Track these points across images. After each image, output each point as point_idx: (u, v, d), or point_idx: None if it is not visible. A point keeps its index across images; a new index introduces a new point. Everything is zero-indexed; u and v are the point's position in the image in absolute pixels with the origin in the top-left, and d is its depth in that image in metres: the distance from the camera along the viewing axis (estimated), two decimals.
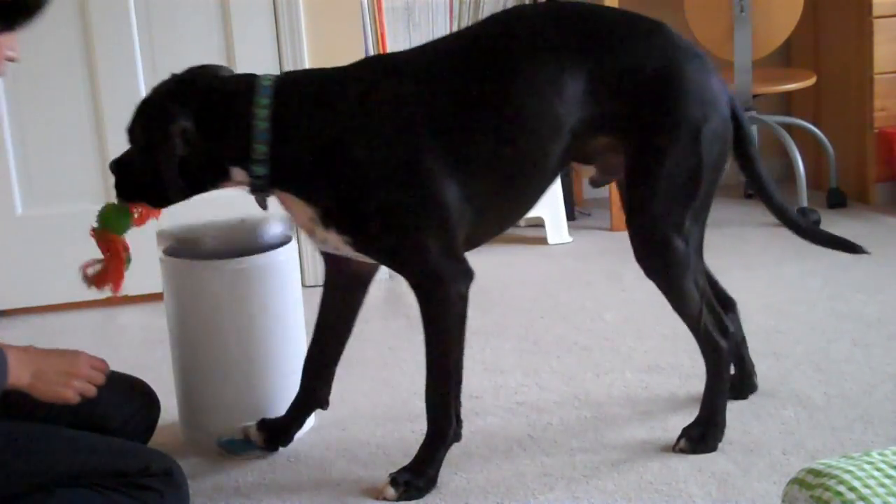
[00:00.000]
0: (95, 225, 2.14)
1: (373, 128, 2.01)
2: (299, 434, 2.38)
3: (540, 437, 2.35)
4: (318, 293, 2.33)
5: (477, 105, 2.04)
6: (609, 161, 2.18)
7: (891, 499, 1.34)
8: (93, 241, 2.20)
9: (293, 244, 2.42)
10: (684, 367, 2.32)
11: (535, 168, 2.10)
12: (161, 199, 2.11)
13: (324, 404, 2.37)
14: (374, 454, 2.32)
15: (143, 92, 3.39)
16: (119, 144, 2.18)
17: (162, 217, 2.25)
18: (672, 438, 2.26)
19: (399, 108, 2.02)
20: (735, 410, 2.39)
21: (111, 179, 2.15)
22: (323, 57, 3.36)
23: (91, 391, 1.94)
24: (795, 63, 4.54)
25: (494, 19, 2.15)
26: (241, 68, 3.37)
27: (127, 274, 3.23)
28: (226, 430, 2.35)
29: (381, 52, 3.72)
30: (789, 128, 4.25)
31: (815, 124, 4.25)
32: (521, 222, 4.16)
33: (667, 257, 2.13)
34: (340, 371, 2.74)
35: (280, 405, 2.36)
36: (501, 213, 2.16)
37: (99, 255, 2.17)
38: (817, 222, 3.91)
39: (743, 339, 2.43)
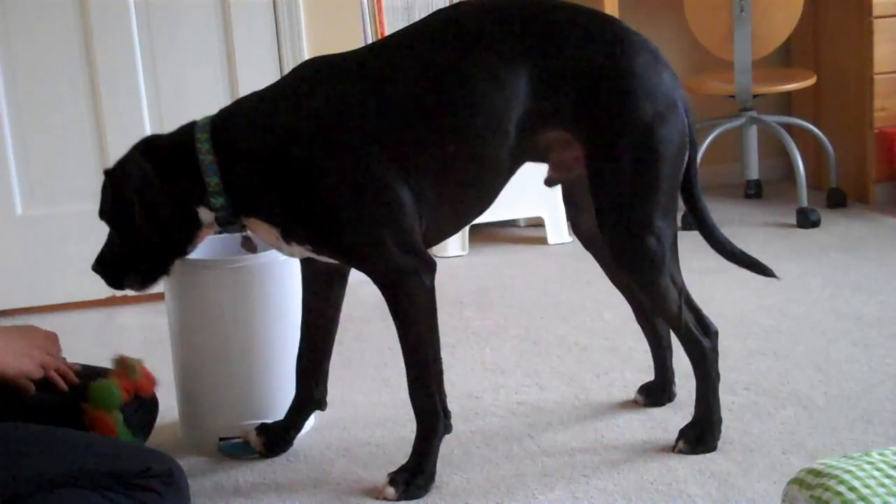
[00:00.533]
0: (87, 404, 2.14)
1: (311, 135, 2.02)
2: (299, 434, 2.37)
3: (540, 437, 2.35)
4: None
5: (415, 105, 2.04)
6: (562, 157, 2.16)
7: (891, 499, 1.34)
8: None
9: None
10: (684, 367, 2.32)
11: (483, 165, 2.09)
12: (150, 267, 2.13)
13: (322, 405, 2.37)
14: (374, 454, 2.32)
15: (144, 92, 3.42)
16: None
17: None
18: (672, 439, 2.26)
19: (336, 112, 2.03)
20: (735, 410, 2.40)
21: None
22: None
23: (52, 364, 1.96)
24: (795, 63, 4.54)
25: (439, 15, 2.13)
26: (241, 68, 3.42)
27: None
28: (226, 429, 2.35)
29: None
30: (789, 128, 4.26)
31: (815, 124, 4.25)
32: (521, 222, 4.17)
33: (640, 256, 2.12)
34: (340, 371, 2.75)
35: (280, 405, 2.36)
36: (455, 211, 2.15)
37: None
38: (817, 222, 3.91)
39: (669, 346, 2.42)
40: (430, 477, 2.13)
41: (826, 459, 1.48)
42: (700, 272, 2.69)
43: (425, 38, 2.09)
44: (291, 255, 2.13)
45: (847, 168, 4.23)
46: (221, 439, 2.32)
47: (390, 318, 2.12)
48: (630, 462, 2.21)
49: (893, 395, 2.45)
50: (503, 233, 4.13)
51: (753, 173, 4.35)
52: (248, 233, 2.15)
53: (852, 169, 4.23)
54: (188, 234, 2.11)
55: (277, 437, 2.33)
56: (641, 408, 2.46)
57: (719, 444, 2.23)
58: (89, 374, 2.17)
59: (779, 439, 2.27)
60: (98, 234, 2.20)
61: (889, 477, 1.39)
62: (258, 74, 3.14)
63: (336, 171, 2.01)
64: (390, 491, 2.11)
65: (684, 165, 2.15)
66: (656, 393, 2.47)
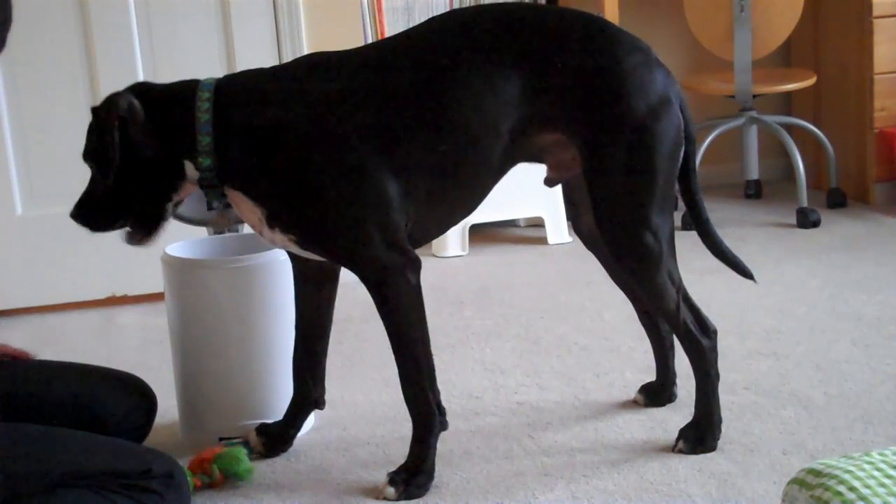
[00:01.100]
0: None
1: (307, 122, 2.03)
2: (299, 434, 2.38)
3: (540, 437, 2.35)
4: None
5: (409, 105, 2.05)
6: (559, 157, 2.17)
7: (891, 499, 1.34)
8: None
9: None
10: (684, 367, 2.32)
11: (474, 167, 2.10)
12: (134, 213, 2.12)
13: (320, 404, 2.37)
14: (374, 454, 2.32)
15: None
16: None
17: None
18: (672, 438, 2.26)
19: (333, 104, 2.04)
20: (735, 410, 2.40)
21: None
22: None
23: None
24: (795, 63, 4.54)
25: (433, 21, 2.16)
26: (241, 68, 3.40)
27: (127, 273, 3.25)
28: (226, 429, 2.35)
29: None
30: (789, 128, 4.26)
31: (815, 124, 4.25)
32: (521, 222, 4.17)
33: (637, 252, 2.12)
34: (340, 371, 2.75)
35: (280, 405, 2.36)
36: (443, 211, 2.16)
37: None
38: (817, 222, 3.92)
39: (671, 346, 2.43)
40: (429, 475, 2.14)
41: (826, 459, 1.48)
42: (700, 272, 2.69)
43: (422, 41, 2.11)
44: (272, 242, 2.12)
45: (847, 168, 4.23)
46: (221, 439, 2.31)
47: None
48: (630, 462, 2.21)
49: (893, 395, 2.45)
50: (503, 233, 4.13)
51: (753, 173, 4.36)
52: (227, 202, 2.14)
53: (852, 169, 4.23)
54: (172, 183, 2.11)
55: (277, 437, 2.33)
56: (641, 408, 2.46)
57: (719, 444, 2.23)
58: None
59: (779, 439, 2.27)
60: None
61: (889, 477, 1.39)
62: None
63: (327, 161, 2.02)
64: (390, 491, 2.11)
65: (680, 161, 2.16)
66: (657, 393, 2.47)
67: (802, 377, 2.58)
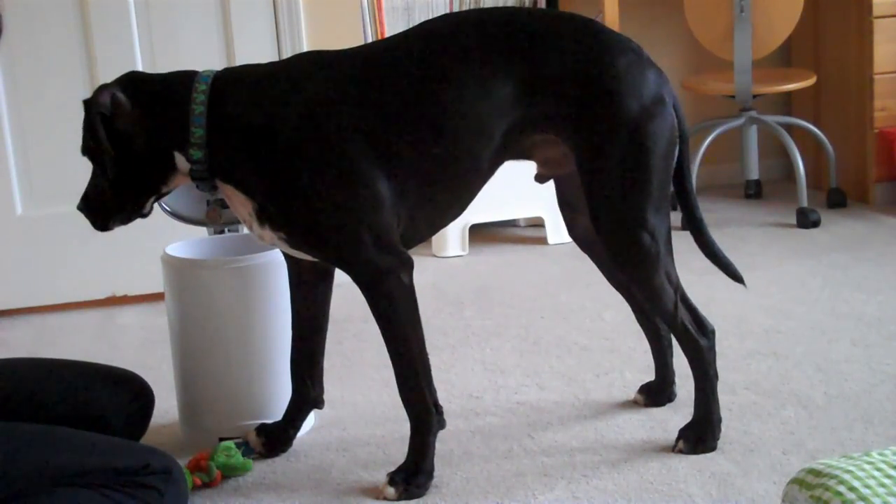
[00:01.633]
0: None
1: (301, 120, 2.04)
2: (299, 434, 2.38)
3: (540, 437, 2.35)
4: None
5: (403, 107, 2.06)
6: (549, 154, 2.18)
7: (891, 499, 1.34)
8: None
9: None
10: (684, 367, 2.32)
11: (465, 169, 2.11)
12: (128, 204, 2.13)
13: (319, 403, 2.37)
14: (374, 454, 2.32)
15: None
16: None
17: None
18: (672, 438, 2.26)
19: (327, 103, 2.04)
20: (735, 410, 2.40)
21: None
22: None
23: None
24: (795, 63, 4.54)
25: (428, 24, 2.16)
26: None
27: (127, 273, 3.25)
28: (226, 429, 2.35)
29: None
30: (789, 128, 4.26)
31: (815, 124, 4.25)
32: (521, 222, 4.17)
33: (635, 252, 2.13)
34: (340, 371, 2.75)
35: (280, 405, 2.36)
36: (435, 212, 2.16)
37: None
38: (817, 222, 3.92)
39: (670, 345, 2.43)
40: (428, 475, 2.14)
41: (826, 459, 1.48)
42: (700, 272, 2.69)
43: (417, 44, 2.11)
44: (261, 238, 2.13)
45: (847, 168, 4.23)
46: (221, 439, 2.31)
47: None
48: (630, 462, 2.21)
49: (893, 395, 2.45)
50: (503, 233, 4.13)
51: (753, 173, 4.35)
52: (219, 197, 2.14)
53: (852, 169, 4.23)
54: (162, 175, 2.12)
55: (277, 437, 2.33)
56: (641, 408, 2.46)
57: (719, 444, 2.23)
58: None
59: (779, 439, 2.27)
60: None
61: (889, 477, 1.39)
62: None
63: (319, 160, 2.02)
64: (390, 491, 2.11)
65: (675, 160, 2.16)
66: (656, 393, 2.47)
67: (802, 377, 2.58)
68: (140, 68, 3.38)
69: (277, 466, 2.29)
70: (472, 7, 4.02)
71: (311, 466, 2.28)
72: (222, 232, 2.53)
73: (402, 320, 2.10)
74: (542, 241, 3.94)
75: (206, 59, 3.42)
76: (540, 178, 2.30)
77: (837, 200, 4.17)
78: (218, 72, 2.12)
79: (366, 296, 2.10)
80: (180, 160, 2.09)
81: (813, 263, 3.49)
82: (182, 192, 2.36)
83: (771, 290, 3.22)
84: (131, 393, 2.20)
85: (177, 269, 2.38)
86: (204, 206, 2.45)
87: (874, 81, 4.05)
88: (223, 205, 2.30)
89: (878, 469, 1.41)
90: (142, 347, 3.08)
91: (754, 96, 4.10)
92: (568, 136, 2.10)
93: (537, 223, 4.03)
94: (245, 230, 2.49)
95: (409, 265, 2.09)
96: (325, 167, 2.02)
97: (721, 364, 2.28)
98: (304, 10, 3.47)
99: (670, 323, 2.23)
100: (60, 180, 3.45)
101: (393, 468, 2.15)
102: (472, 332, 3.06)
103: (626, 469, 2.18)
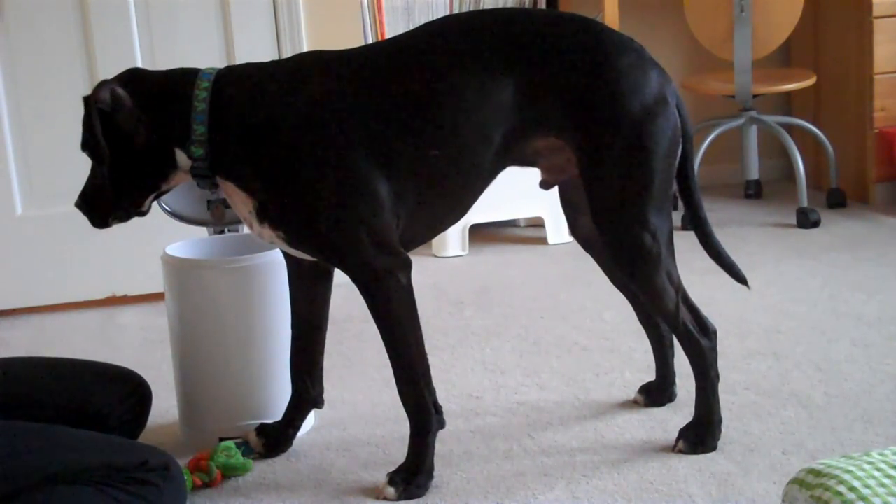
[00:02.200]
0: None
1: (302, 119, 2.04)
2: (299, 434, 2.38)
3: (540, 437, 2.35)
4: None
5: (403, 108, 2.05)
6: (553, 161, 2.18)
7: (891, 499, 1.34)
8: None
9: None
10: (684, 367, 2.32)
11: (465, 171, 2.10)
12: (127, 201, 2.13)
13: (319, 403, 2.37)
14: (374, 454, 2.32)
15: None
16: None
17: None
18: (672, 438, 2.26)
19: (328, 103, 2.05)
20: (735, 410, 2.40)
21: None
22: None
23: None
24: (795, 63, 4.54)
25: (429, 26, 2.16)
26: None
27: (127, 273, 3.25)
28: (226, 429, 2.35)
29: None
30: (789, 128, 4.26)
31: (815, 124, 4.25)
32: (521, 222, 4.17)
33: (636, 252, 2.13)
34: (340, 371, 2.75)
35: (280, 405, 2.36)
36: (434, 214, 2.16)
37: None
38: (817, 222, 3.92)
39: (671, 345, 2.43)
40: (428, 475, 2.14)
41: (826, 459, 1.48)
42: (700, 272, 2.69)
43: (417, 46, 2.11)
44: (261, 236, 2.13)
45: (847, 168, 4.23)
46: (221, 439, 2.32)
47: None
48: (630, 462, 2.21)
49: (893, 395, 2.45)
50: (503, 233, 4.13)
51: (753, 173, 4.36)
52: (220, 195, 2.14)
53: (852, 169, 4.23)
54: (163, 172, 2.12)
55: (277, 438, 2.33)
56: (641, 408, 2.46)
57: (719, 444, 2.23)
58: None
59: (779, 439, 2.27)
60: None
61: (889, 477, 1.39)
62: None
63: (319, 160, 2.02)
64: (390, 491, 2.11)
65: (677, 160, 2.16)
66: (656, 393, 2.47)
67: (802, 377, 2.58)
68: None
69: (277, 466, 2.29)
70: (472, 7, 4.02)
71: (311, 466, 2.28)
72: (222, 232, 2.53)
73: (400, 321, 2.10)
74: (542, 241, 3.94)
75: (205, 58, 3.42)
76: (545, 185, 2.30)
77: (837, 200, 4.17)
78: (220, 69, 2.12)
79: (364, 296, 2.10)
80: (181, 157, 2.09)
81: (813, 263, 3.49)
82: (182, 192, 2.36)
83: (771, 290, 3.22)
84: (128, 389, 2.21)
85: (177, 269, 2.38)
86: (204, 206, 2.45)
87: (874, 81, 4.05)
88: (226, 204, 2.29)
89: (878, 469, 1.41)
90: (142, 347, 3.08)
91: (754, 96, 4.11)
92: (570, 136, 2.10)
93: (537, 223, 4.03)
94: (245, 230, 2.50)
95: (407, 266, 2.09)
96: (325, 167, 2.02)
97: (721, 364, 2.28)
98: (304, 10, 3.47)
99: (671, 323, 2.22)
100: (60, 180, 3.45)
101: (393, 468, 2.15)
102: (472, 332, 3.06)
103: (626, 469, 2.18)
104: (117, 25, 3.39)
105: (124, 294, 3.52)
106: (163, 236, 2.62)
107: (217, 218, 2.38)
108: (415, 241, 2.17)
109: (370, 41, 3.80)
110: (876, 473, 1.40)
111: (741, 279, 2.30)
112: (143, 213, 2.18)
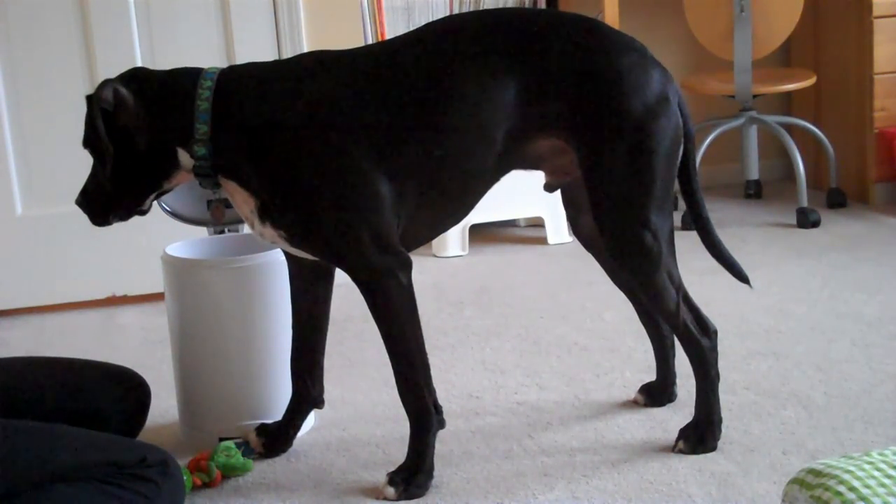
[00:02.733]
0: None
1: (304, 118, 2.04)
2: (299, 434, 2.38)
3: (540, 437, 2.35)
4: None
5: (406, 108, 2.05)
6: (557, 164, 2.18)
7: (891, 499, 1.34)
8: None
9: None
10: (684, 367, 2.32)
11: (468, 172, 2.10)
12: (128, 199, 2.13)
13: (319, 403, 2.37)
14: (374, 454, 2.32)
15: None
16: None
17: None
18: (672, 438, 2.26)
19: (331, 103, 2.04)
20: (735, 410, 2.40)
21: None
22: None
23: None
24: (795, 63, 4.54)
25: (431, 26, 2.16)
26: None
27: (127, 273, 3.24)
28: (226, 430, 2.35)
29: None
30: (789, 128, 4.26)
31: (815, 124, 4.25)
32: (521, 222, 4.17)
33: (637, 251, 2.13)
34: (340, 371, 2.75)
35: (280, 405, 2.36)
36: (435, 215, 2.16)
37: None
38: (817, 222, 3.92)
39: (672, 346, 2.43)
40: (428, 475, 2.14)
41: (826, 459, 1.48)
42: (700, 272, 2.69)
43: (420, 45, 2.11)
44: (262, 236, 2.13)
45: (847, 168, 4.23)
46: (221, 439, 2.32)
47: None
48: (630, 462, 2.21)
49: (893, 395, 2.45)
50: (503, 233, 4.13)
51: (753, 173, 4.36)
52: (221, 195, 2.14)
53: (852, 169, 4.23)
54: (164, 171, 2.11)
55: (277, 437, 2.33)
56: (641, 408, 2.46)
57: (719, 444, 2.23)
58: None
59: (779, 439, 2.27)
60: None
61: (889, 477, 1.39)
62: None
63: (322, 159, 2.02)
64: (390, 491, 2.11)
65: (679, 160, 2.16)
66: (656, 393, 2.47)
67: (802, 377, 2.58)
68: None
69: (277, 466, 2.29)
70: (472, 7, 4.02)
71: (311, 466, 2.28)
72: (222, 232, 2.53)
73: (400, 320, 2.10)
74: (542, 241, 3.94)
75: (205, 59, 3.40)
76: (549, 188, 2.30)
77: (837, 200, 4.17)
78: (223, 69, 2.12)
79: (364, 296, 2.10)
80: (183, 156, 2.09)
81: (813, 263, 3.49)
82: (182, 192, 2.36)
83: (771, 290, 3.22)
84: (127, 388, 2.22)
85: (177, 269, 2.38)
86: (204, 206, 2.45)
87: (874, 81, 4.05)
88: (227, 204, 2.29)
89: (878, 469, 1.41)
90: (142, 347, 3.08)
91: (754, 96, 4.11)
92: (571, 136, 2.10)
93: (537, 223, 4.03)
94: (245, 230, 2.50)
95: (407, 266, 2.09)
96: (327, 166, 2.02)
97: (721, 364, 2.28)
98: (304, 10, 3.47)
99: (672, 323, 2.22)
100: (60, 180, 3.45)
101: (393, 468, 2.15)
102: (472, 332, 3.06)
103: (626, 469, 2.18)
104: (117, 25, 3.39)
105: (124, 294, 3.52)
106: (163, 236, 2.62)
107: (217, 217, 2.38)
108: (416, 242, 2.17)
109: (370, 41, 3.80)
110: (876, 473, 1.40)
111: (743, 278, 2.30)
112: (144, 212, 2.18)
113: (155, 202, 2.22)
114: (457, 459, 2.26)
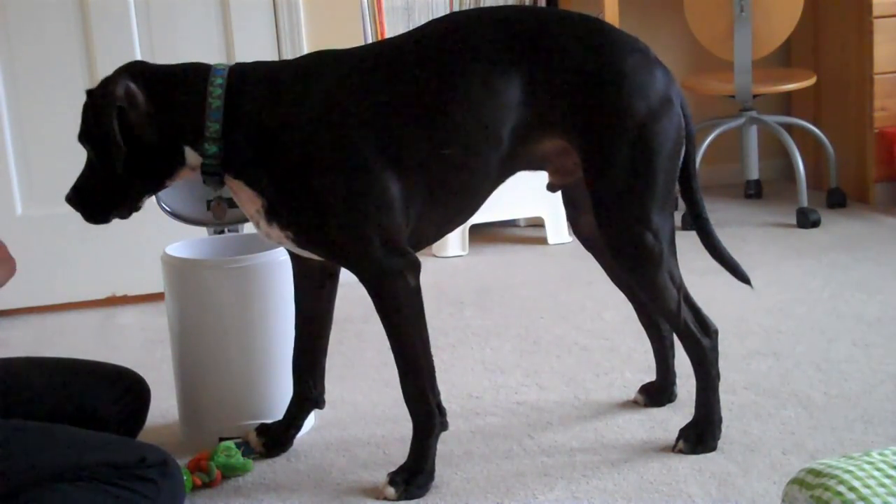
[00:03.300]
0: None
1: (314, 118, 2.03)
2: (299, 434, 2.38)
3: (540, 437, 2.35)
4: None
5: (413, 107, 2.05)
6: (561, 164, 2.18)
7: (891, 499, 1.34)
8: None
9: None
10: (684, 366, 2.32)
11: (474, 171, 2.10)
12: (125, 198, 2.11)
13: (320, 403, 2.37)
14: (374, 454, 2.32)
15: None
16: None
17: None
18: (672, 438, 2.26)
19: (339, 103, 2.04)
20: (735, 410, 2.40)
21: None
22: None
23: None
24: (795, 63, 4.54)
25: (436, 24, 2.16)
26: None
27: (127, 273, 3.23)
28: (226, 429, 2.35)
29: None
30: (789, 128, 4.26)
31: (815, 124, 4.25)
32: (521, 222, 4.17)
33: (638, 252, 2.13)
34: (341, 371, 2.75)
35: (280, 405, 2.36)
36: (443, 215, 2.16)
37: None
38: (817, 222, 3.92)
39: (671, 346, 2.43)
40: (429, 476, 2.14)
41: (826, 459, 1.48)
42: (700, 272, 2.69)
43: (426, 44, 2.11)
44: (268, 236, 2.12)
45: (847, 168, 4.23)
46: (221, 439, 2.32)
47: None
48: (630, 462, 2.21)
49: (893, 395, 2.45)
50: (503, 233, 4.13)
51: (753, 173, 4.36)
52: (224, 194, 2.13)
53: (852, 169, 4.23)
54: (169, 169, 2.09)
55: (277, 437, 2.33)
56: (641, 408, 2.46)
57: (719, 444, 2.23)
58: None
59: (779, 439, 2.27)
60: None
61: (889, 477, 1.39)
62: None
63: (332, 160, 2.02)
64: (390, 491, 2.11)
65: (681, 161, 2.16)
66: (657, 393, 2.47)
67: (802, 377, 2.58)
68: None
69: (277, 466, 2.29)
70: (472, 6, 4.02)
71: (311, 466, 2.28)
72: (222, 232, 2.53)
73: (407, 321, 2.09)
74: (542, 241, 3.94)
75: (205, 59, 3.39)
76: (552, 188, 2.30)
77: (837, 200, 4.17)
78: (232, 66, 2.10)
79: (372, 296, 2.09)
80: (190, 154, 2.07)
81: (813, 263, 3.49)
82: (182, 192, 2.36)
83: (771, 290, 3.22)
84: (126, 388, 2.22)
85: (177, 269, 2.38)
86: (203, 206, 2.44)
87: (874, 81, 4.05)
88: (231, 203, 2.27)
89: (878, 469, 1.41)
90: (142, 347, 3.08)
91: (754, 96, 4.11)
92: (574, 135, 2.10)
93: (537, 223, 4.03)
94: (245, 230, 2.50)
95: (416, 267, 2.08)
96: (337, 166, 2.02)
97: (721, 364, 2.27)
98: (304, 10, 3.47)
99: (673, 323, 2.22)
100: (60, 180, 3.41)
101: (393, 468, 2.15)
102: (472, 332, 3.06)
103: (626, 469, 2.18)
104: (117, 25, 3.39)
105: (124, 294, 3.52)
106: (163, 236, 2.62)
107: (219, 215, 2.35)
108: (423, 242, 2.17)
109: (370, 41, 3.80)
110: (876, 473, 1.40)
111: (744, 279, 2.30)
112: (139, 209, 2.15)
113: (155, 202, 2.21)
114: (457, 459, 2.26)
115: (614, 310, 3.05)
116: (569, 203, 2.35)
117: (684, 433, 2.24)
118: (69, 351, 2.98)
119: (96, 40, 3.40)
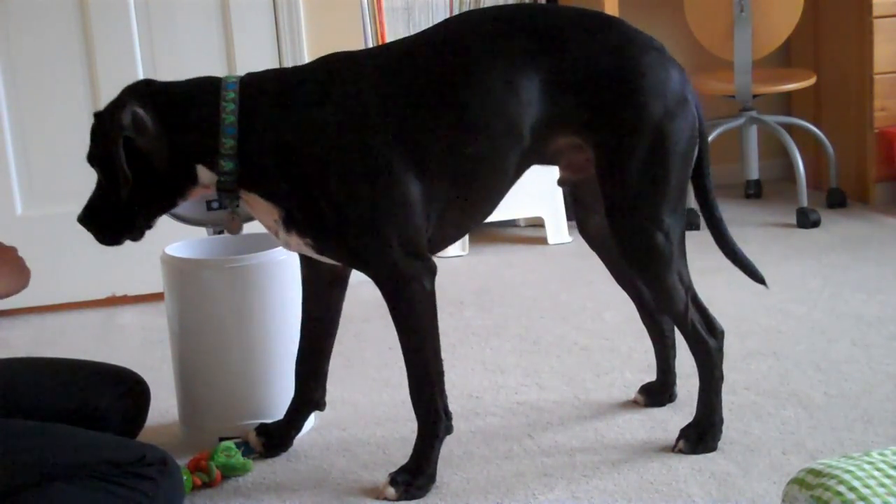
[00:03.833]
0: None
1: (332, 125, 2.01)
2: (299, 435, 2.37)
3: (540, 437, 2.35)
4: None
5: (433, 107, 2.04)
6: (573, 160, 2.18)
7: (891, 499, 1.34)
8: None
9: None
10: (684, 366, 2.32)
11: (495, 169, 2.09)
12: (137, 219, 2.09)
13: (320, 405, 2.37)
14: (374, 454, 2.32)
15: None
16: None
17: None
18: (672, 438, 2.26)
19: (358, 106, 2.02)
20: (735, 410, 2.40)
21: None
22: None
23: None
24: (795, 63, 4.54)
25: (452, 22, 2.15)
26: (241, 69, 3.40)
27: (127, 273, 3.22)
28: (226, 429, 2.35)
29: None
30: (789, 128, 4.26)
31: (815, 124, 4.25)
32: (521, 222, 4.17)
33: (648, 252, 2.13)
34: (340, 371, 2.75)
35: (280, 405, 2.36)
36: (463, 214, 2.15)
37: None
38: (817, 222, 3.92)
39: (673, 345, 2.43)
40: (430, 477, 2.14)
41: (826, 459, 1.48)
42: (701, 272, 2.69)
43: (441, 43, 2.10)
44: (287, 245, 2.11)
45: (847, 168, 4.23)
46: (221, 439, 2.32)
47: (390, 318, 2.12)
48: (630, 462, 2.21)
49: (893, 395, 2.45)
50: (503, 233, 4.13)
51: (753, 173, 4.36)
52: (239, 206, 2.11)
53: (852, 169, 4.23)
54: (181, 189, 2.07)
55: (277, 438, 2.33)
56: (641, 408, 2.46)
57: (719, 444, 2.23)
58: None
59: (779, 439, 2.27)
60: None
61: (889, 477, 1.39)
62: None
63: (352, 165, 2.00)
64: (391, 491, 2.11)
65: (693, 161, 2.15)
66: (657, 393, 2.46)
67: (802, 377, 2.58)
68: (140, 69, 3.40)
69: (277, 466, 2.29)
70: (472, 7, 4.01)
71: (311, 467, 2.28)
72: (222, 232, 2.53)
73: (421, 326, 2.09)
74: (542, 241, 3.94)
75: (205, 59, 3.42)
76: (563, 183, 2.29)
77: (837, 200, 4.17)
78: (242, 78, 2.07)
79: (387, 300, 2.09)
80: (203, 173, 2.04)
81: (813, 263, 3.49)
82: None
83: (771, 290, 3.20)
84: (126, 388, 2.22)
85: (177, 269, 2.38)
86: (203, 207, 2.44)
87: (874, 81, 4.04)
88: (246, 217, 2.24)
89: (878, 469, 1.41)
90: (142, 347, 3.08)
91: (754, 96, 4.11)
92: (589, 133, 2.09)
93: (537, 223, 4.03)
94: (245, 229, 2.49)
95: (432, 271, 2.08)
96: (358, 171, 2.00)
97: None
98: (304, 10, 3.47)
99: (680, 323, 2.22)
100: (60, 180, 3.45)
101: (393, 468, 2.15)
102: (472, 332, 3.06)
103: (626, 469, 2.18)
104: (117, 26, 3.39)
105: (124, 294, 3.52)
106: (163, 236, 2.62)
107: (234, 230, 2.27)
108: (444, 242, 2.16)
109: (370, 41, 3.80)
110: (876, 473, 1.40)
111: (759, 278, 2.30)
112: (151, 227, 2.13)
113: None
114: (457, 460, 2.26)
115: (614, 310, 3.05)
116: (577, 202, 2.34)
117: (685, 433, 2.24)
118: (69, 351, 2.98)
119: (96, 40, 3.40)
